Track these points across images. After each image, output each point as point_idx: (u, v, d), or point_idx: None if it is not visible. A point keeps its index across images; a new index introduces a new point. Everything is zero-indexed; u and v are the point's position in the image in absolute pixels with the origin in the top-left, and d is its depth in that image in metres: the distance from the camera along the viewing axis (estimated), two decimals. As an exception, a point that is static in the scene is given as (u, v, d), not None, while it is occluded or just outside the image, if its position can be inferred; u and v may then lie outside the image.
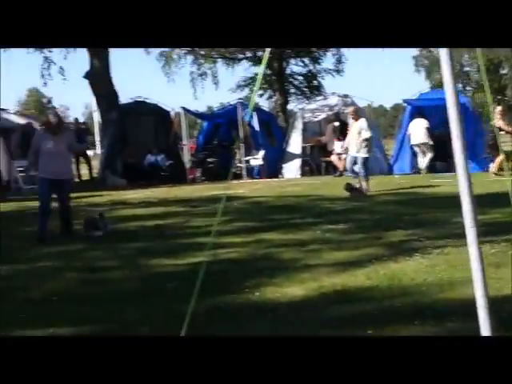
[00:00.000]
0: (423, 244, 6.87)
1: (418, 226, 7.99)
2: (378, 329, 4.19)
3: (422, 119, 16.18)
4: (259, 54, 26.16)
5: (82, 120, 23.93)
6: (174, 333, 3.13)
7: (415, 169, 16.48)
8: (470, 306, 2.88)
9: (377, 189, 12.42)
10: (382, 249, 6.82)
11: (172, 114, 19.45)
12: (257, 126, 17.94)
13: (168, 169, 18.00)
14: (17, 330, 4.58)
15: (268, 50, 2.92)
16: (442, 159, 15.65)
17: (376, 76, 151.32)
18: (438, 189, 12.15)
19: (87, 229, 8.81)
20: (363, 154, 12.23)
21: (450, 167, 13.69)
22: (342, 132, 16.32)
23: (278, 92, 28.67)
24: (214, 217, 7.83)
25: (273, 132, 19.33)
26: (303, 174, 17.76)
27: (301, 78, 30.36)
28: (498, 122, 14.11)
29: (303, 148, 18.10)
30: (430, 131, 15.97)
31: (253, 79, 29.08)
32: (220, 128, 20.16)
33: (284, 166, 17.93)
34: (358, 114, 13.05)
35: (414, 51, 46.30)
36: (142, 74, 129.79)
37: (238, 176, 17.28)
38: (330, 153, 17.18)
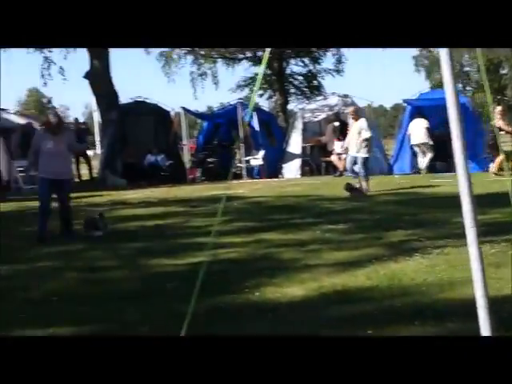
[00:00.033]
0: (423, 244, 6.86)
1: (418, 226, 7.99)
2: (378, 329, 4.19)
3: (422, 119, 16.18)
4: (259, 54, 26.16)
5: (82, 120, 23.94)
6: (174, 333, 3.13)
7: (415, 169, 16.48)
8: (470, 306, 2.88)
9: (377, 189, 12.42)
10: (382, 249, 6.82)
11: (172, 113, 19.46)
12: (257, 126, 17.92)
13: (168, 169, 18.00)
14: (17, 330, 4.58)
15: (268, 50, 2.92)
16: (442, 159, 15.65)
17: (376, 76, 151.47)
18: (437, 189, 12.15)
19: (87, 229, 8.81)
20: (363, 154, 12.22)
21: (449, 167, 13.69)
22: (342, 132, 16.32)
23: (277, 92, 28.67)
24: (213, 217, 7.84)
25: (273, 132, 19.32)
26: (303, 174, 17.75)
27: (301, 78, 30.36)
28: (497, 122, 14.10)
29: (303, 148, 18.10)
30: (430, 131, 15.97)
31: (253, 79, 29.07)
32: (220, 128, 20.15)
33: (284, 166, 17.93)
34: (358, 114, 13.05)
35: (414, 51, 46.30)
36: (142, 74, 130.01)
37: (238, 176, 17.28)
38: (330, 153, 17.18)
